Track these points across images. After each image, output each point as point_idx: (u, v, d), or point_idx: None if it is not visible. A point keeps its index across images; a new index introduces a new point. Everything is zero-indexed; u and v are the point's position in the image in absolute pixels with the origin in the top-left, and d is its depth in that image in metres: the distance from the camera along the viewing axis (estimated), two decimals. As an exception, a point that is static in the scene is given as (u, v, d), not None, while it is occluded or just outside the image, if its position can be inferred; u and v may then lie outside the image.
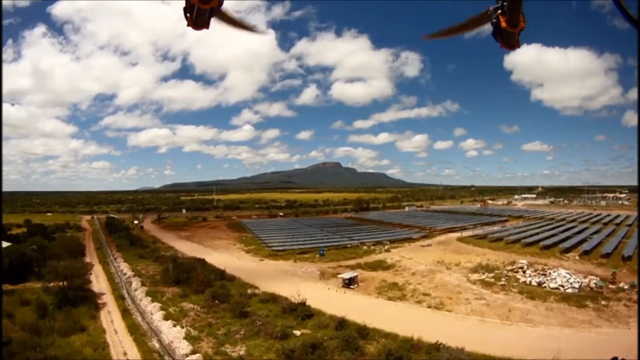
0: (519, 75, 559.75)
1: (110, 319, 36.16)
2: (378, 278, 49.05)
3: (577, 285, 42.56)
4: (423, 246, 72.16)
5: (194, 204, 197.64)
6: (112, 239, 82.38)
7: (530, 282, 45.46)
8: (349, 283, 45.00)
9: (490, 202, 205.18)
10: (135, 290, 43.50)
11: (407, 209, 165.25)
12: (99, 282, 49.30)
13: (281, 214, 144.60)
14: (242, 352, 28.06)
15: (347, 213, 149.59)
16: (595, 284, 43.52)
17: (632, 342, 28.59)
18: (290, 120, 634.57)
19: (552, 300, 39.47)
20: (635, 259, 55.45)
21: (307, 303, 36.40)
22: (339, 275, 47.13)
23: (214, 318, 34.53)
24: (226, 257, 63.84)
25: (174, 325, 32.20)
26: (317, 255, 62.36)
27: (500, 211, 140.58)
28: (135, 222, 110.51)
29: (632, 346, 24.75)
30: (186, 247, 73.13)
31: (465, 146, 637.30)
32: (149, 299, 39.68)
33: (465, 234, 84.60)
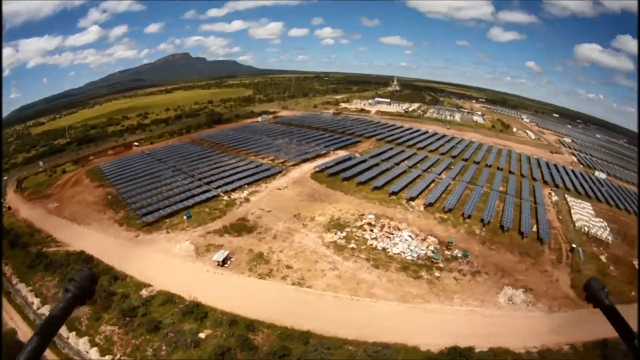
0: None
1: (64, 378, 46.29)
2: (245, 248, 63.89)
3: (415, 255, 61.93)
4: (280, 189, 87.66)
5: (46, 142, 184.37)
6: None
7: (376, 246, 63.99)
8: (223, 262, 59.14)
9: (343, 105, 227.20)
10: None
11: (260, 119, 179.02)
12: (16, 324, 54.44)
13: (136, 143, 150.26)
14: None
15: (201, 130, 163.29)
16: (433, 251, 63.52)
17: (450, 321, 46.88)
18: (139, 14, 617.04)
19: (393, 269, 58.22)
20: (475, 217, 78.50)
21: (198, 299, 51.08)
22: (213, 258, 60.17)
23: (136, 338, 47.18)
24: (104, 239, 71.82)
25: (114, 364, 44.39)
26: (185, 218, 74.45)
27: (354, 124, 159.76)
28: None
29: (451, 329, 42.97)
30: (63, 231, 77.41)
31: (321, 34, 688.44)
32: (73, 333, 49.55)
33: (319, 164, 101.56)
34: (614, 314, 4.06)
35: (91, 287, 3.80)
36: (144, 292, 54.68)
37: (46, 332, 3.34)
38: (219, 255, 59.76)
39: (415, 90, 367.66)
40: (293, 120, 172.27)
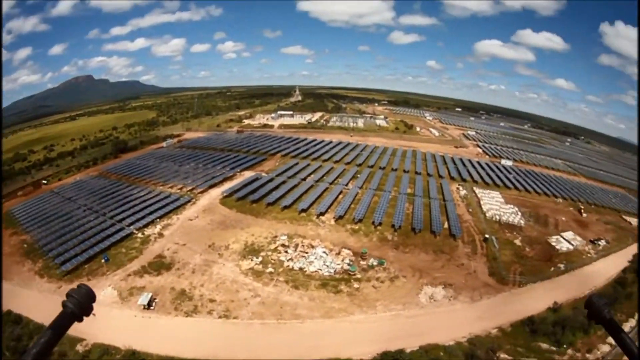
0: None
1: None
2: (167, 287, 64.72)
3: (332, 271, 65.92)
4: (191, 220, 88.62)
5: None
6: None
7: (293, 267, 67.17)
8: (148, 305, 59.87)
9: (246, 121, 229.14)
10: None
11: (165, 144, 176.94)
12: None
13: (44, 181, 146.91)
14: None
15: (108, 161, 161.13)
16: (349, 264, 67.69)
17: (376, 329, 50.44)
18: (43, 34, 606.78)
19: (313, 287, 61.66)
20: (386, 224, 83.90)
21: (133, 347, 52.22)
22: (138, 302, 60.68)
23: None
24: (28, 295, 69.41)
25: None
26: (103, 262, 74.14)
27: (258, 142, 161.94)
28: None
29: (379, 336, 46.72)
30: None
31: (223, 49, 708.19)
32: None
33: (227, 189, 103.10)
34: (618, 331, 4.11)
35: (89, 304, 4.03)
36: (80, 348, 54.27)
37: (42, 350, 3.58)
38: (144, 299, 60.43)
39: (317, 98, 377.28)
40: (198, 142, 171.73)
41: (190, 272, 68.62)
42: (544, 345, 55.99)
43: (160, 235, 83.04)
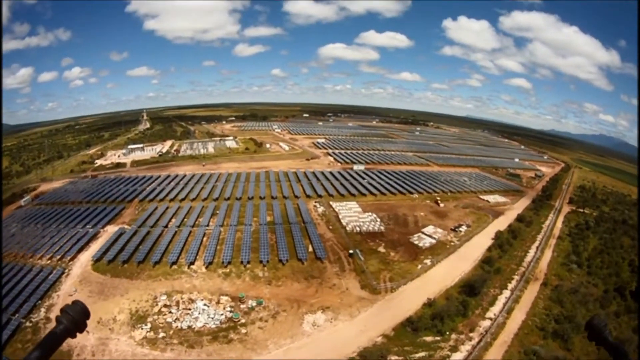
0: (135, 6, 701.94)
1: None
2: None
3: (218, 322, 70.77)
4: (71, 295, 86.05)
5: None
6: None
7: (181, 327, 70.70)
8: None
9: (98, 162, 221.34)
10: None
11: (22, 202, 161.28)
12: None
13: None
14: None
15: None
16: (231, 312, 73.09)
17: None
18: None
19: (206, 343, 65.95)
20: (254, 260, 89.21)
21: None
22: None
23: None
24: None
25: None
26: None
27: (113, 187, 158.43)
28: None
29: None
30: None
31: (70, 76, 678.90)
32: None
33: (95, 252, 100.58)
34: (620, 353, 4.07)
35: (84, 320, 4.23)
36: None
37: None
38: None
39: (165, 122, 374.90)
40: (55, 196, 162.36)
41: (90, 355, 68.14)
42: (428, 339, 65.02)
43: (48, 319, 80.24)
